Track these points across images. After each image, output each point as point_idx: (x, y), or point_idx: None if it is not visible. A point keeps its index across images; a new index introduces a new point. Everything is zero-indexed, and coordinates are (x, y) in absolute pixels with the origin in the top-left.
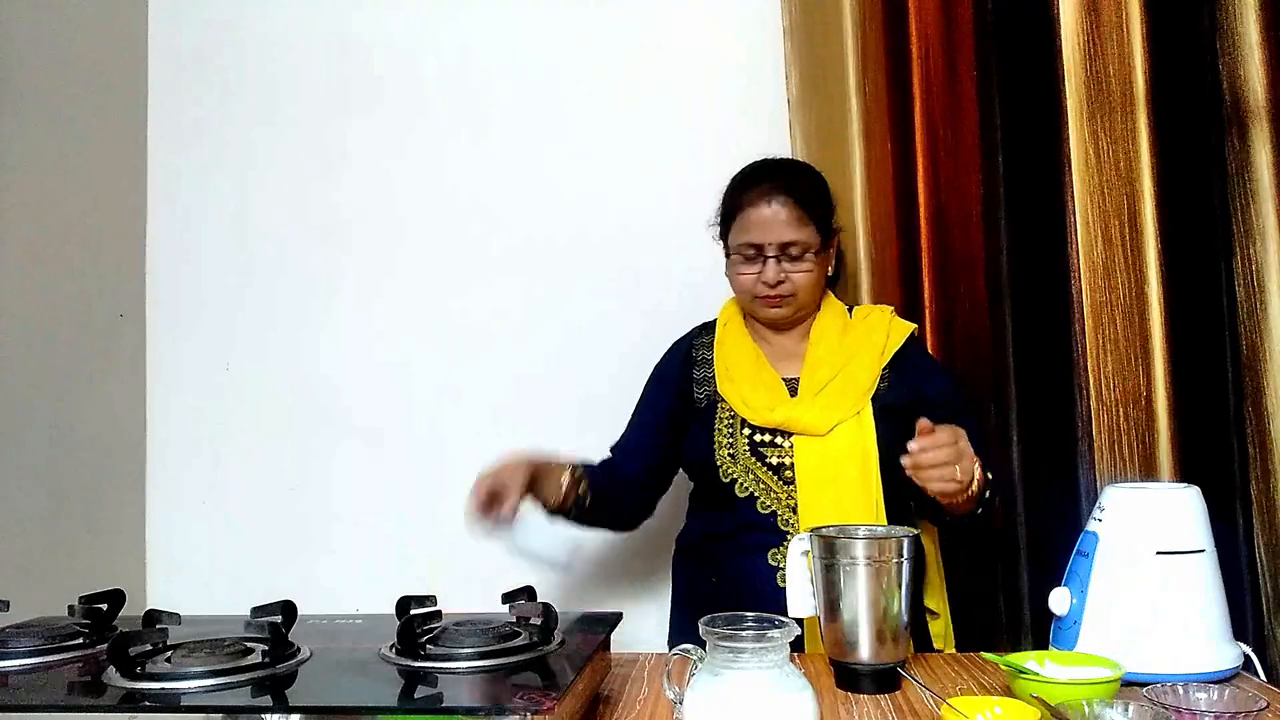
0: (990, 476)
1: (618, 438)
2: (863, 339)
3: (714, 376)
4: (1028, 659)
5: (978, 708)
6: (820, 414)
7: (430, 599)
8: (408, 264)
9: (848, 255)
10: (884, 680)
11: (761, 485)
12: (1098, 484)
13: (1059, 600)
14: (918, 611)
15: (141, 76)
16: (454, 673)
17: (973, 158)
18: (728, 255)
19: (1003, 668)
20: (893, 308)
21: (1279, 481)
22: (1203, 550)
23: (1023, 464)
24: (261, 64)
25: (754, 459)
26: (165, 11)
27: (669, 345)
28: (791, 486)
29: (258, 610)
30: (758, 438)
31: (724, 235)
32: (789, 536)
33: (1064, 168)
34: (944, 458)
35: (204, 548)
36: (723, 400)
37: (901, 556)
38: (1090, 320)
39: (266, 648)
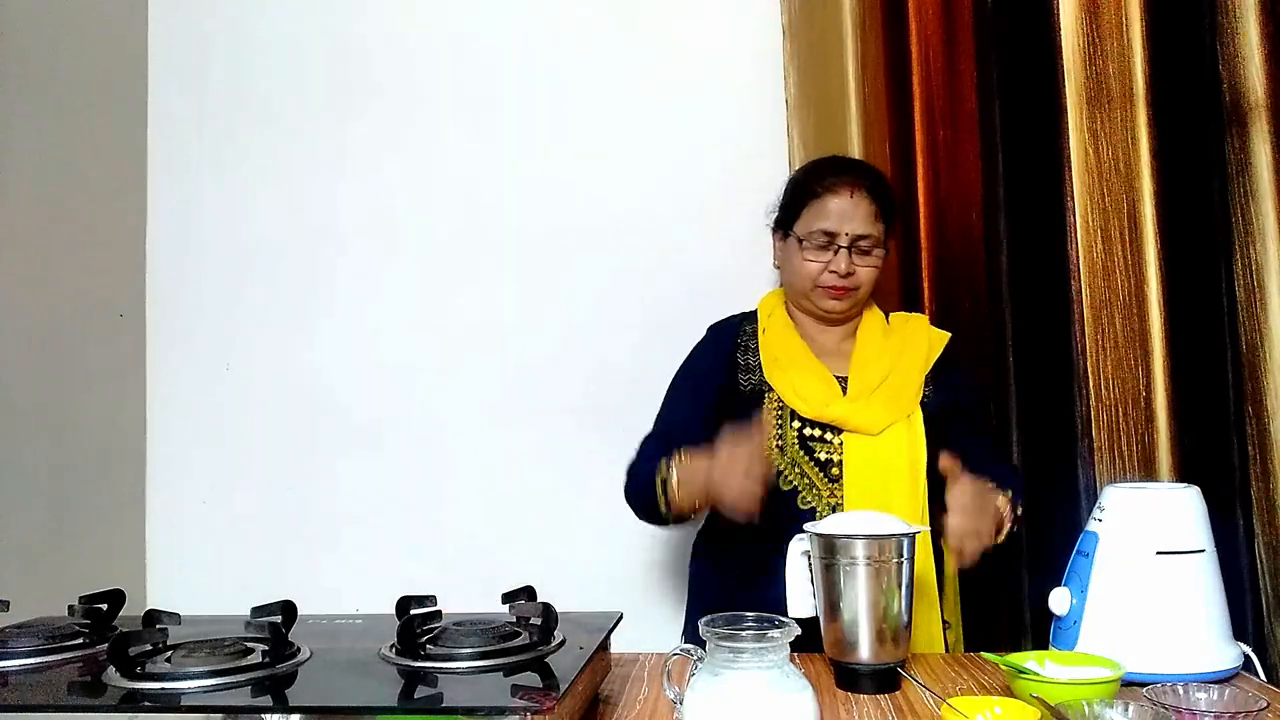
0: (1020, 510)
1: (654, 425)
2: (906, 344)
3: (760, 364)
4: (1028, 659)
5: (978, 708)
6: (875, 414)
7: (430, 599)
8: (407, 263)
9: None
10: (884, 680)
11: (805, 480)
12: (1098, 484)
13: (1059, 600)
14: (932, 622)
15: (141, 76)
16: (454, 673)
17: (973, 157)
18: (785, 241)
19: (1003, 668)
20: (926, 317)
21: (1279, 481)
22: (1203, 550)
23: (1023, 464)
24: (261, 65)
25: (802, 453)
26: (165, 11)
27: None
28: (836, 485)
29: (258, 610)
30: (807, 431)
31: (787, 222)
32: None
33: (1064, 167)
34: (982, 527)
35: (204, 548)
36: (770, 389)
37: (901, 556)
38: (1090, 320)
39: (266, 648)
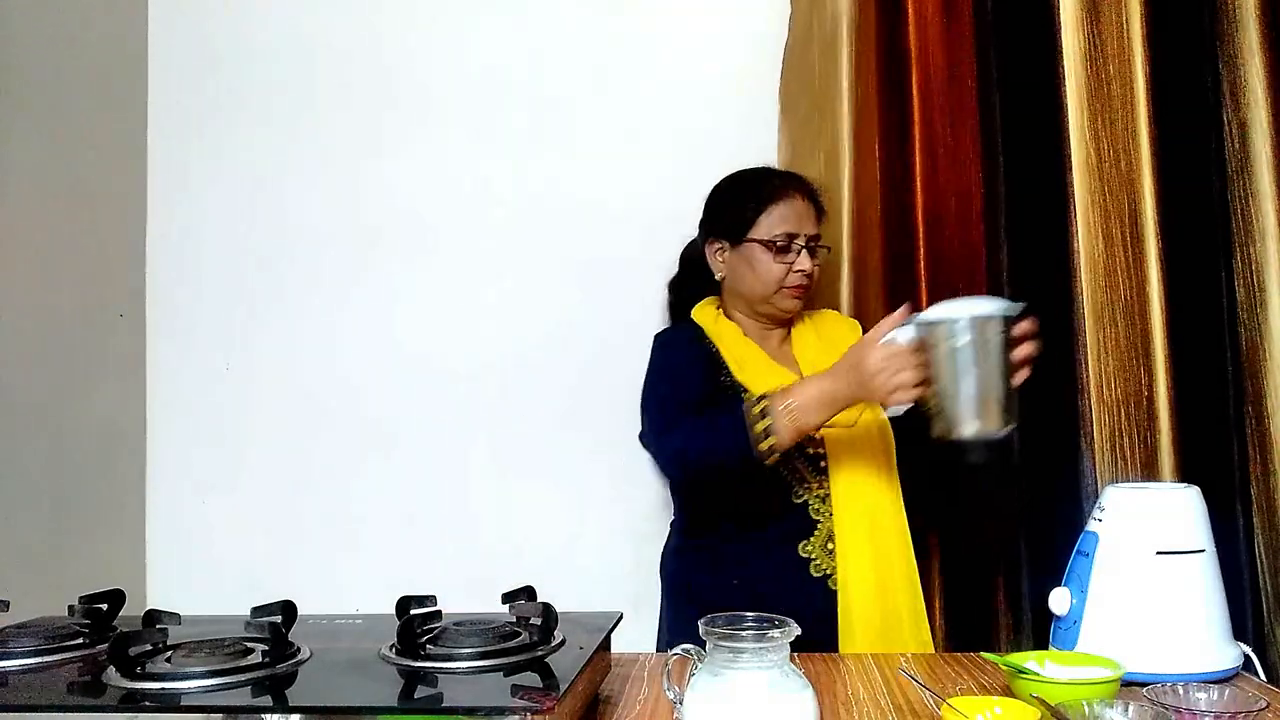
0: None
1: (664, 412)
2: (836, 334)
3: (728, 367)
4: (1028, 659)
5: (978, 708)
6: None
7: (430, 599)
8: (408, 263)
9: (831, 259)
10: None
11: (798, 475)
12: (1098, 484)
13: (1059, 600)
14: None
15: (141, 76)
16: (454, 673)
17: (973, 158)
18: (736, 249)
19: (1003, 668)
20: (831, 310)
21: (1279, 481)
22: (1203, 550)
23: (1023, 463)
24: (262, 64)
25: (794, 449)
26: (165, 11)
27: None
28: (824, 476)
29: (258, 610)
30: None
31: (738, 230)
32: (818, 525)
33: (1065, 168)
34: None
35: (204, 548)
36: (747, 391)
37: (1003, 332)
38: (1091, 320)
39: (266, 648)
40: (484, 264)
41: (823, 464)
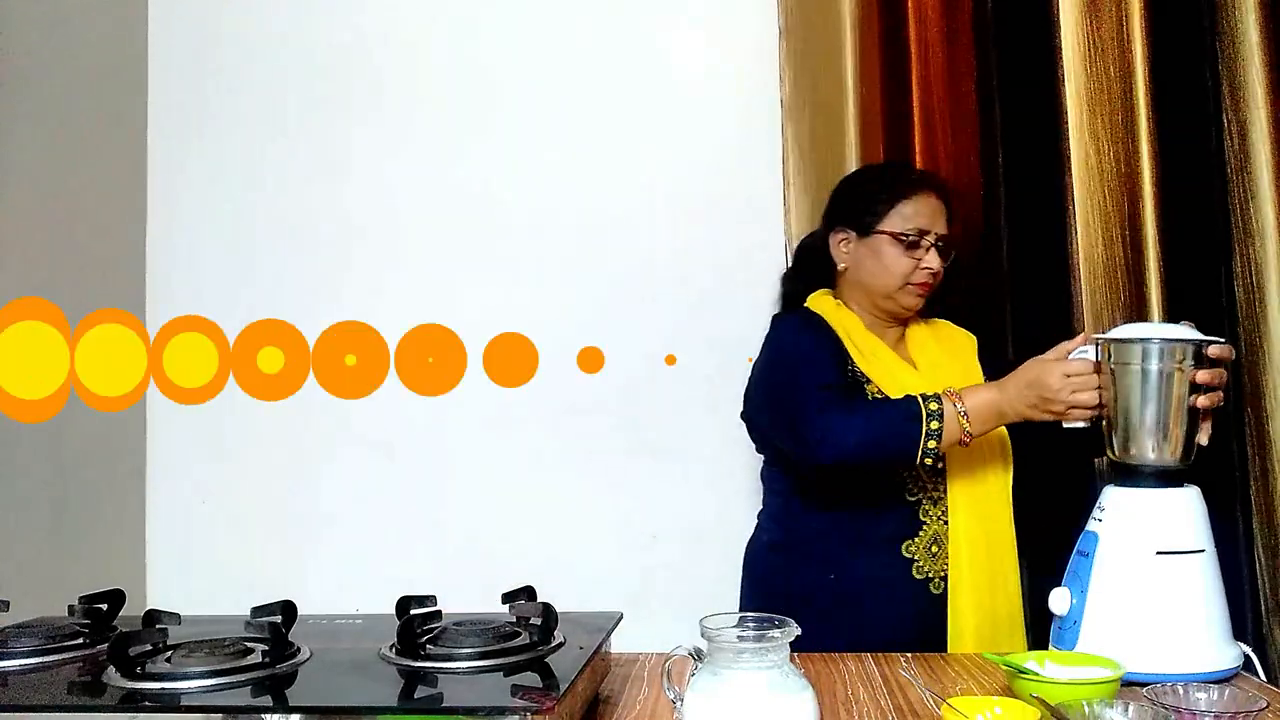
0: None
1: (808, 395)
2: (953, 340)
3: (852, 357)
4: (1028, 659)
5: (978, 708)
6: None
7: (430, 599)
8: (408, 262)
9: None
10: (1169, 475)
11: (913, 474)
12: (1098, 483)
13: (1059, 600)
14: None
15: (141, 76)
16: (454, 673)
17: (972, 157)
18: (863, 240)
19: (1003, 668)
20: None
21: (1278, 482)
22: (1202, 550)
23: (1024, 465)
24: (262, 64)
25: None
26: (165, 11)
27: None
28: (938, 478)
29: (258, 610)
30: None
31: (867, 222)
32: (924, 527)
33: (1064, 168)
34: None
35: (204, 548)
36: (869, 381)
37: (1188, 361)
38: (1090, 322)
39: (266, 648)
40: (487, 264)
41: (940, 465)
